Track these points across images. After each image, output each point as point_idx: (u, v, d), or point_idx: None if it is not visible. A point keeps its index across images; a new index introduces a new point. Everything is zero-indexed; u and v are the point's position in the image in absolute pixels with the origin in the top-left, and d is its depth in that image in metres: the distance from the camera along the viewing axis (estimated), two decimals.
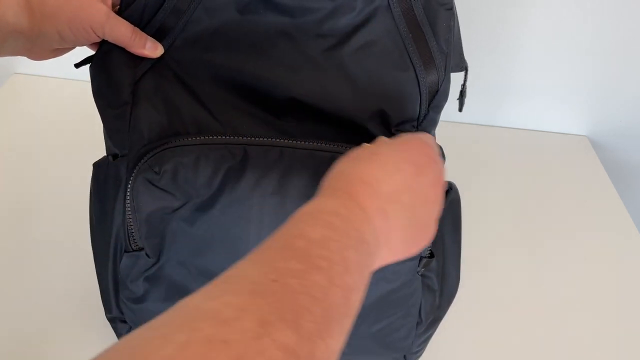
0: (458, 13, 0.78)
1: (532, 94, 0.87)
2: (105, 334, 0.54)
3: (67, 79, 0.88)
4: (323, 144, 0.43)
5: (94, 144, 0.52)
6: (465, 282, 0.65)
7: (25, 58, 0.95)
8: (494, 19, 0.79)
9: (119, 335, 0.50)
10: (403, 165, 0.35)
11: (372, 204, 0.31)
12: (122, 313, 0.47)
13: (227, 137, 0.42)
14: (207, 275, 0.44)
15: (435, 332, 0.59)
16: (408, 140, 0.37)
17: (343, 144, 0.43)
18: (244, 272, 0.24)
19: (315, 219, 0.28)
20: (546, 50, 0.81)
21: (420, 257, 0.46)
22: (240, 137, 0.43)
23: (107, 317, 0.49)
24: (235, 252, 0.43)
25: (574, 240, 0.72)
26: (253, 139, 0.43)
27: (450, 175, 0.83)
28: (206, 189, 0.42)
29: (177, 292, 0.45)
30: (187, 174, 0.41)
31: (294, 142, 0.43)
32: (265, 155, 0.42)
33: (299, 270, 0.24)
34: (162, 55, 0.44)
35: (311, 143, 0.43)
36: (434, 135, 0.50)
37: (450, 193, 0.50)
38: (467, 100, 0.88)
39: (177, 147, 0.41)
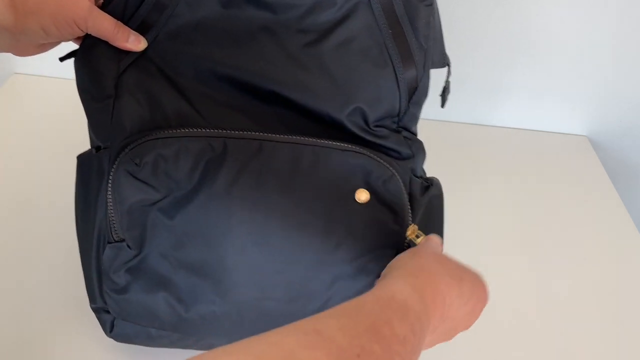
0: (459, 12, 0.78)
1: (532, 94, 0.87)
2: (90, 324, 0.54)
3: (67, 79, 0.88)
4: (302, 138, 0.44)
5: None
6: None
7: (25, 57, 0.95)
8: (495, 19, 0.79)
9: (103, 324, 0.50)
10: (470, 301, 0.39)
11: (437, 321, 0.36)
12: (105, 303, 0.48)
13: (208, 130, 0.43)
14: (188, 268, 0.45)
15: None
16: (481, 283, 0.41)
17: (322, 139, 0.44)
18: (333, 334, 0.28)
19: (404, 316, 0.32)
20: (546, 50, 0.81)
21: (397, 251, 0.46)
22: (221, 130, 0.43)
23: (91, 307, 0.50)
24: (216, 246, 0.43)
25: (574, 240, 0.72)
26: (233, 132, 0.43)
27: (451, 175, 0.83)
28: (186, 182, 0.42)
29: (159, 283, 0.45)
30: (167, 166, 0.42)
31: (273, 135, 0.43)
32: (244, 148, 0.42)
33: (378, 356, 0.29)
34: (146, 49, 0.45)
35: (290, 137, 0.43)
36: (415, 131, 0.50)
37: (431, 189, 0.50)
38: (467, 100, 0.88)
39: (158, 140, 0.42)
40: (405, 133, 0.48)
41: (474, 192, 0.78)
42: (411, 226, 0.45)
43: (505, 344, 0.59)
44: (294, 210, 0.43)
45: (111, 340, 0.52)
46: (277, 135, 0.43)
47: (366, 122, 0.46)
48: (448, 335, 0.40)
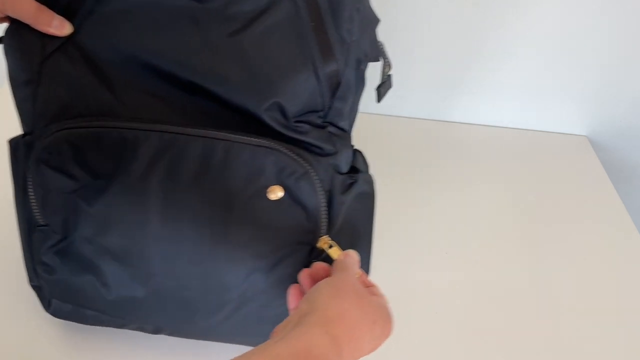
0: (462, 10, 0.78)
1: (533, 94, 0.87)
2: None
3: None
4: (215, 132, 0.43)
5: None
6: (465, 283, 0.65)
7: None
8: (495, 19, 0.79)
9: (42, 301, 0.52)
10: (377, 340, 0.39)
11: None
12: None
13: (123, 122, 0.43)
14: (111, 255, 0.46)
15: (435, 330, 0.59)
16: (389, 321, 0.41)
17: (237, 133, 0.43)
18: None
19: None
20: (546, 50, 0.81)
21: (312, 247, 0.46)
22: (136, 122, 0.43)
23: (30, 285, 0.52)
24: (134, 236, 0.45)
25: (574, 240, 0.72)
26: (147, 124, 0.43)
27: (450, 175, 0.83)
28: (101, 172, 0.43)
29: (85, 267, 0.46)
30: (81, 156, 0.43)
31: (186, 129, 0.43)
32: (156, 141, 0.43)
33: None
34: (72, 35, 0.44)
35: (203, 130, 0.43)
36: (345, 126, 0.49)
37: (355, 186, 0.50)
38: (467, 100, 0.88)
39: (74, 129, 0.43)
40: (331, 128, 0.48)
41: (474, 192, 0.78)
42: (322, 238, 0.46)
43: (505, 343, 0.59)
44: (206, 205, 0.44)
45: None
46: (190, 129, 0.43)
47: (285, 117, 0.45)
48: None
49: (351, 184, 0.49)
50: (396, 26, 0.81)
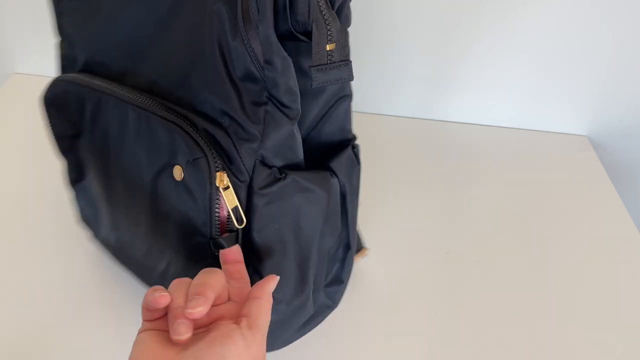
0: (463, 8, 0.78)
1: (533, 93, 0.87)
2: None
3: None
4: (140, 99, 0.44)
5: None
6: (465, 283, 0.65)
7: (25, 58, 0.95)
8: (494, 18, 0.79)
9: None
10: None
11: None
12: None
13: (88, 80, 0.48)
14: (100, 198, 0.53)
15: (436, 332, 0.59)
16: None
17: (163, 102, 0.43)
18: None
19: None
20: (546, 50, 0.81)
21: (209, 239, 0.43)
22: (90, 80, 0.48)
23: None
24: (98, 186, 0.52)
25: (574, 240, 0.72)
26: (93, 82, 0.48)
27: (450, 175, 0.83)
28: (78, 123, 0.50)
29: (92, 204, 0.56)
30: (65, 108, 0.50)
31: (116, 90, 0.46)
32: (113, 104, 0.46)
33: None
34: None
35: (131, 95, 0.45)
36: (288, 103, 0.41)
37: (282, 182, 0.45)
38: (466, 100, 0.88)
39: (58, 82, 0.50)
40: (269, 107, 0.40)
41: (473, 192, 0.78)
42: (219, 173, 0.40)
43: (505, 343, 0.59)
44: (126, 169, 0.47)
45: (108, 335, 0.53)
46: (120, 92, 0.45)
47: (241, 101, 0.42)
48: None
49: (277, 180, 0.43)
50: (397, 25, 0.81)
